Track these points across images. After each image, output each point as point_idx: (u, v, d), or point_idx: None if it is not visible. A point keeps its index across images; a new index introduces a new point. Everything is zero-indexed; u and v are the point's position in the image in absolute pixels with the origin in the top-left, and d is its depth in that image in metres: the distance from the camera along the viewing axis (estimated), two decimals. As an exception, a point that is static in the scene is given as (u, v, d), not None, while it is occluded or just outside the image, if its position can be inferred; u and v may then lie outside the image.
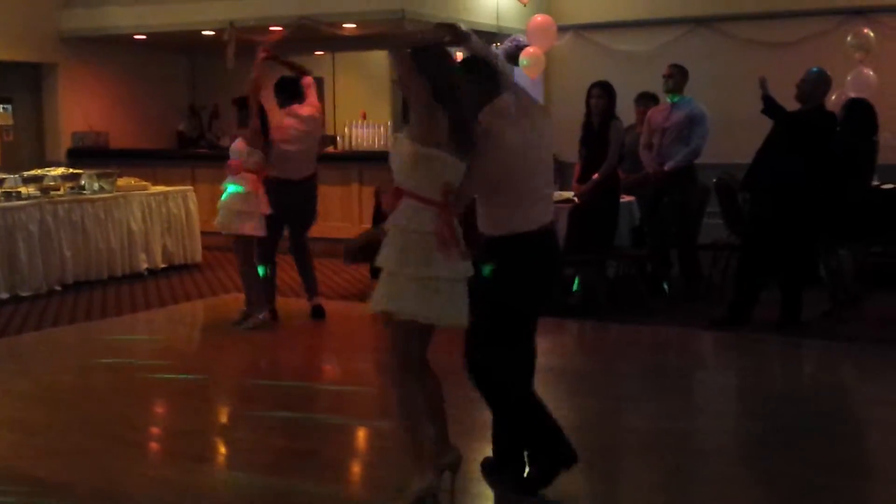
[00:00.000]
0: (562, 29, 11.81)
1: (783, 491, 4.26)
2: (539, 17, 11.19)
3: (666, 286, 8.46)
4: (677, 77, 8.45)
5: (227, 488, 4.45)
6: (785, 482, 4.35)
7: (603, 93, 8.11)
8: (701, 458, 4.77)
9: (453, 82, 3.75)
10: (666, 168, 8.31)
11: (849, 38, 10.36)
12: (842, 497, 4.27)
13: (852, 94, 9.40)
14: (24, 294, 8.75)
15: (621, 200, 8.27)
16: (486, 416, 4.25)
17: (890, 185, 8.75)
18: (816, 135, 7.07)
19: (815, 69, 7.18)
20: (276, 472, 4.53)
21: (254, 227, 7.29)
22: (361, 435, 5.27)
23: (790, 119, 7.07)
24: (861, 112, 7.95)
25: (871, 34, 10.32)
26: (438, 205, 3.70)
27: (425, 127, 3.68)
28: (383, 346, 3.91)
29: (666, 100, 8.61)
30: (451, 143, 3.69)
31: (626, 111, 8.91)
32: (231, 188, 7.37)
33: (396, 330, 3.80)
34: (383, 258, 3.75)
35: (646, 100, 9.19)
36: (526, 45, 11.31)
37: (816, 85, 7.08)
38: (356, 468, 4.83)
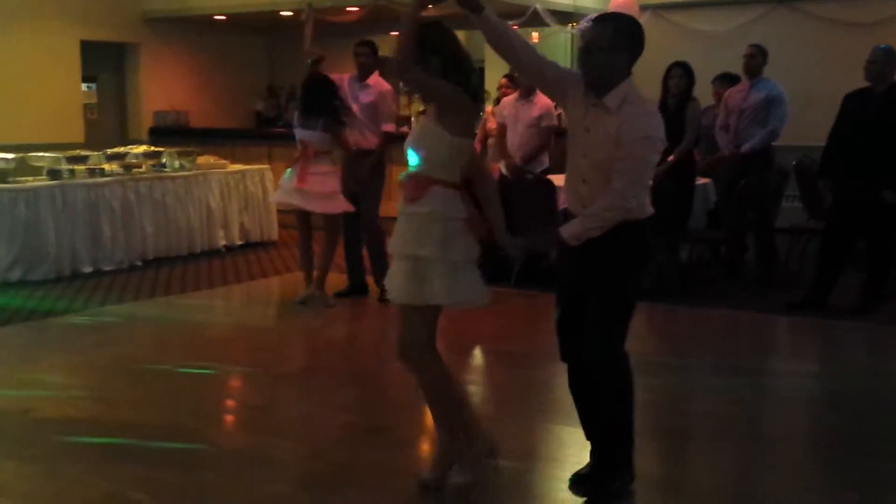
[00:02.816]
0: (640, 9, 11.68)
1: (851, 480, 4.20)
2: (620, -1, 11.09)
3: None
4: (757, 58, 8.30)
5: (297, 462, 4.54)
6: (853, 471, 4.29)
7: (684, 73, 8.03)
8: (769, 444, 4.71)
9: (461, 55, 3.76)
10: (743, 150, 8.18)
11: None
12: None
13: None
14: (106, 268, 8.98)
15: (697, 182, 8.18)
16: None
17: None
18: None
19: (882, 46, 7.00)
20: (346, 446, 4.60)
21: None
22: (430, 412, 5.31)
23: None
24: None
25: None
26: (462, 189, 3.79)
27: (452, 114, 3.72)
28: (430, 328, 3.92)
29: (745, 81, 8.47)
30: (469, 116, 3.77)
31: (703, 92, 8.80)
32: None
33: (427, 316, 3.86)
34: (417, 245, 3.73)
35: (725, 81, 9.05)
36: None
37: (886, 63, 6.91)
38: (425, 445, 4.86)
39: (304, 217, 7.69)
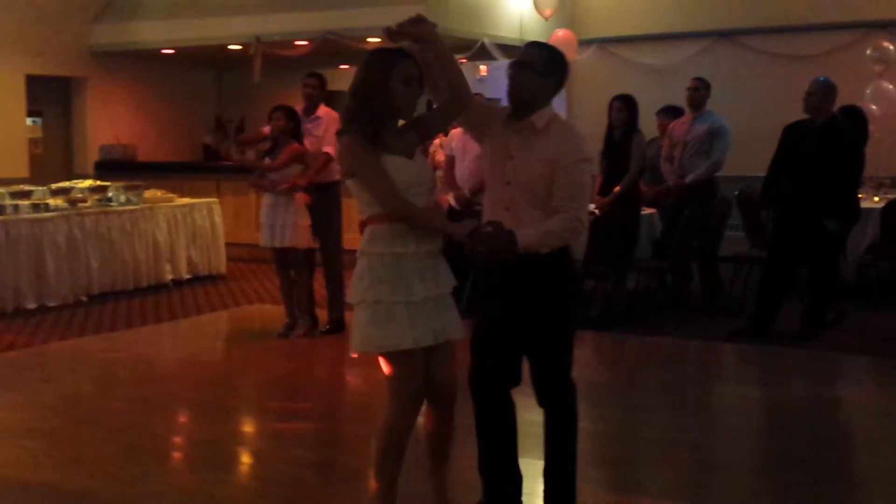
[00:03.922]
0: (585, 43, 11.85)
1: (798, 504, 4.27)
2: (560, 32, 11.25)
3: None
4: (700, 90, 8.46)
5: (246, 499, 4.49)
6: (801, 496, 4.34)
7: (624, 105, 8.15)
8: (717, 470, 4.77)
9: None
10: (687, 181, 8.32)
11: (868, 51, 10.35)
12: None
13: (873, 107, 9.39)
14: (50, 304, 8.85)
15: (642, 213, 8.30)
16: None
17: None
18: (852, 145, 7.13)
19: (820, 79, 7.16)
20: (297, 482, 4.56)
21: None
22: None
23: (853, 158, 7.12)
24: (857, 120, 7.93)
25: (891, 47, 10.30)
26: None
27: None
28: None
29: (689, 113, 8.62)
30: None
31: (648, 124, 8.94)
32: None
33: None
34: (447, 283, 3.62)
35: (669, 113, 9.20)
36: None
37: (825, 95, 7.07)
38: (374, 478, 4.86)
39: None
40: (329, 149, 7.61)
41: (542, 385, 3.83)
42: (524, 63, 3.72)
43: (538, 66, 3.70)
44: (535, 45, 3.87)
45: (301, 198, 7.42)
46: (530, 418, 4.02)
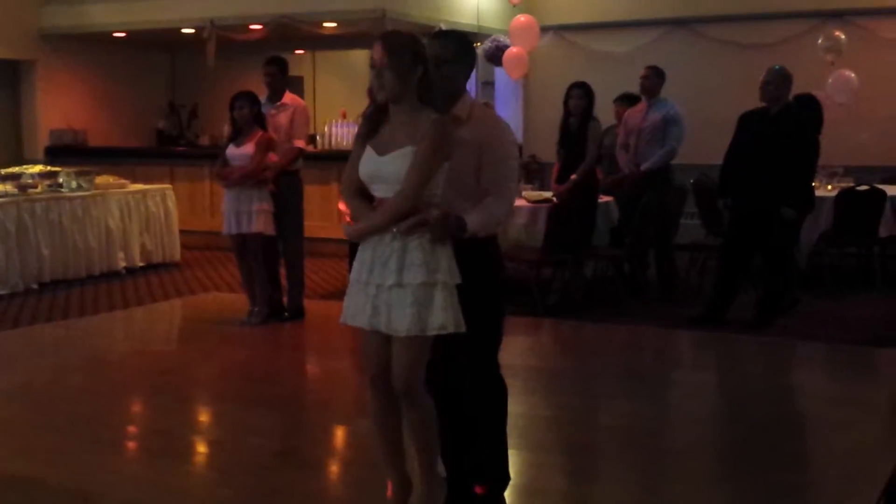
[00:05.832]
0: (541, 30, 11.84)
1: (754, 490, 4.29)
2: (522, 18, 11.24)
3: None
4: (654, 78, 8.50)
5: (204, 487, 4.44)
6: (756, 481, 4.38)
7: (583, 93, 8.16)
8: (674, 456, 4.80)
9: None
10: (642, 168, 8.36)
11: (820, 41, 10.47)
12: (812, 496, 4.32)
13: (836, 97, 9.50)
14: (1, 292, 8.70)
15: (600, 201, 8.33)
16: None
17: (865, 187, 8.84)
18: (808, 133, 7.19)
19: (776, 67, 7.21)
20: (254, 471, 4.52)
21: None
22: (340, 434, 5.29)
23: (811, 155, 7.18)
24: (812, 108, 8.01)
25: (843, 36, 10.42)
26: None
27: None
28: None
29: (644, 101, 8.65)
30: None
31: (604, 112, 8.96)
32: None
33: (429, 346, 3.52)
34: (427, 271, 3.43)
35: (626, 101, 9.23)
36: (506, 46, 11.36)
37: (781, 83, 7.13)
38: (335, 467, 4.85)
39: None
40: (300, 143, 7.57)
41: (474, 381, 3.80)
42: (435, 61, 3.61)
43: (449, 56, 3.66)
44: (435, 37, 3.79)
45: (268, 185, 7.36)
46: (513, 410, 4.00)
